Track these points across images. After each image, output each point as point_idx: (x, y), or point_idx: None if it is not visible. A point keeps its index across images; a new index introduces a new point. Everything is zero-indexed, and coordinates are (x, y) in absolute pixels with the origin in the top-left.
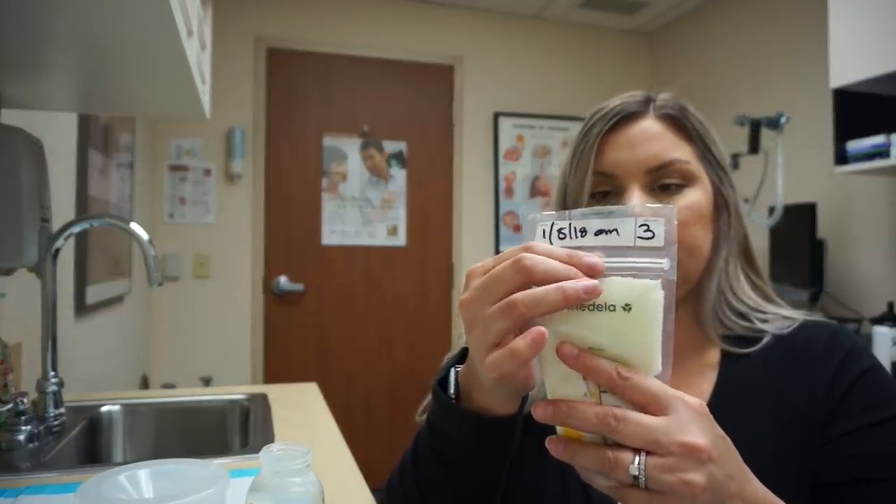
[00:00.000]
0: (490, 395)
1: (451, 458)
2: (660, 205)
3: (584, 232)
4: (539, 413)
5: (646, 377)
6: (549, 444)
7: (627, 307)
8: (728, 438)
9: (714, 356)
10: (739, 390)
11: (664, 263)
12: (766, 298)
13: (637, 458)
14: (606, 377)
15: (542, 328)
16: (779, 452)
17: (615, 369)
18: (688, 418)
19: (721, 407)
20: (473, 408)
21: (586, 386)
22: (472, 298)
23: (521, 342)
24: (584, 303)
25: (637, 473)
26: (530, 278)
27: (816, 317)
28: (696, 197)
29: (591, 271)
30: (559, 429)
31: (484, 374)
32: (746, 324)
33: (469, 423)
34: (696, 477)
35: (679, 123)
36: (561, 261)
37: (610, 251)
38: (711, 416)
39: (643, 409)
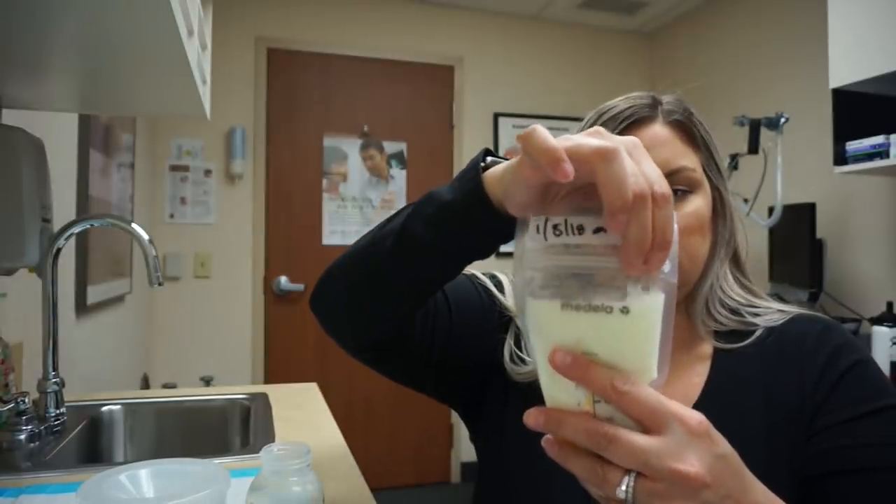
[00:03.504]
0: (509, 193)
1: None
2: None
3: (581, 229)
4: (531, 422)
5: (643, 390)
6: (545, 443)
7: (625, 310)
8: (728, 455)
9: (705, 349)
10: (731, 383)
11: (665, 265)
12: (754, 295)
13: (626, 480)
14: (601, 388)
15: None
16: (771, 445)
17: (610, 381)
18: (684, 441)
19: (712, 400)
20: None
21: (581, 393)
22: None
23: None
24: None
25: (624, 497)
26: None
27: (809, 311)
28: (700, 203)
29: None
30: None
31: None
32: (738, 318)
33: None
34: None
35: (687, 130)
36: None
37: (610, 251)
38: (712, 433)
39: (639, 423)
